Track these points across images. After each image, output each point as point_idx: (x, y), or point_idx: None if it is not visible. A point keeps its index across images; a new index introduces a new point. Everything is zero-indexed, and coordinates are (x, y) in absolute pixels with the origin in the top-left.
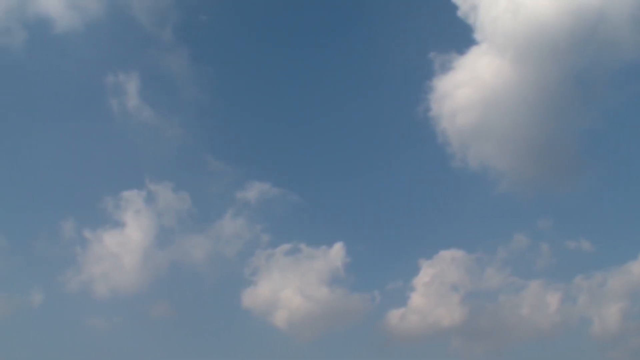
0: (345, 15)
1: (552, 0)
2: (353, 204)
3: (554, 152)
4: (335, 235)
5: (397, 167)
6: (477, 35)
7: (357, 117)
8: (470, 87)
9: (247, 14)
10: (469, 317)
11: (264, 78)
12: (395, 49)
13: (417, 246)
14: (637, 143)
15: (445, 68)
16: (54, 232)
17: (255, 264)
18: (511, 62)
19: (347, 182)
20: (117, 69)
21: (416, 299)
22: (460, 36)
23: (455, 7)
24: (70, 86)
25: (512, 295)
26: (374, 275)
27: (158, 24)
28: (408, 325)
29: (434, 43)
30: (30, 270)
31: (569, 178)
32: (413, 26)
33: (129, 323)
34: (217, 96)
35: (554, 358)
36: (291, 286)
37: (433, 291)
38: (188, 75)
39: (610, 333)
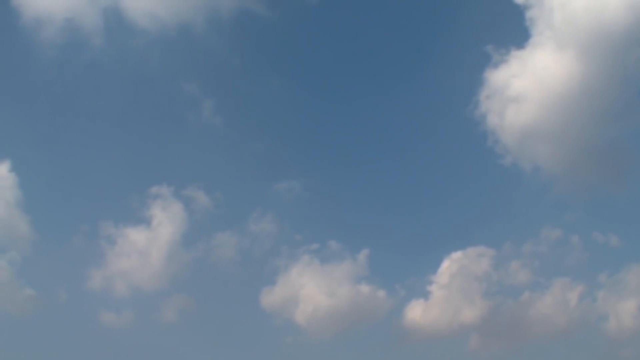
0: (404, 9)
1: None
2: (382, 202)
3: (605, 153)
4: (361, 235)
5: (438, 161)
6: (538, 29)
7: (405, 111)
8: (527, 83)
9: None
10: (489, 314)
11: (310, 76)
12: (452, 41)
13: (442, 243)
14: None
15: (502, 62)
16: (93, 230)
17: (281, 262)
18: (571, 59)
19: (378, 177)
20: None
21: (438, 296)
22: (519, 29)
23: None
24: (149, 93)
25: (535, 293)
26: (397, 272)
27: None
28: (429, 321)
29: (492, 36)
30: (61, 268)
31: (616, 180)
32: (471, 17)
33: (150, 320)
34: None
35: (574, 355)
36: (315, 284)
37: (455, 288)
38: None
39: (626, 330)
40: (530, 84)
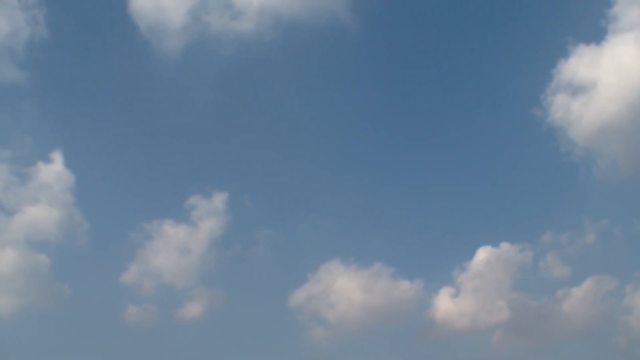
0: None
1: None
2: (423, 200)
3: None
4: (399, 233)
5: (495, 154)
6: (619, 21)
7: (471, 103)
8: (602, 76)
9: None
10: (517, 312)
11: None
12: (529, 32)
13: (478, 236)
14: None
15: (578, 56)
16: (134, 227)
17: (315, 260)
18: None
19: (422, 169)
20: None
21: (469, 291)
22: (599, 21)
23: None
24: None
25: (570, 289)
26: (430, 268)
27: None
28: (460, 316)
29: (571, 28)
30: (101, 264)
31: None
32: (550, 9)
33: (179, 316)
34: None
35: (597, 351)
36: (349, 281)
37: (488, 282)
38: None
39: None
40: (606, 77)
